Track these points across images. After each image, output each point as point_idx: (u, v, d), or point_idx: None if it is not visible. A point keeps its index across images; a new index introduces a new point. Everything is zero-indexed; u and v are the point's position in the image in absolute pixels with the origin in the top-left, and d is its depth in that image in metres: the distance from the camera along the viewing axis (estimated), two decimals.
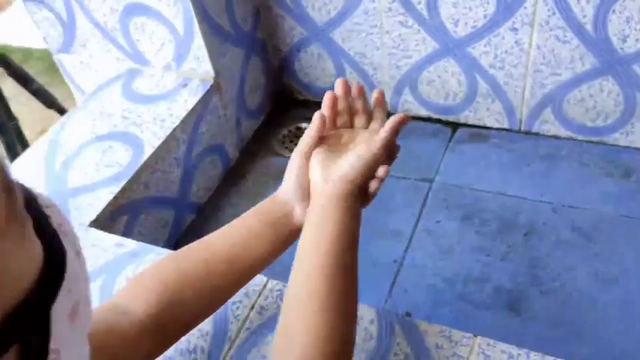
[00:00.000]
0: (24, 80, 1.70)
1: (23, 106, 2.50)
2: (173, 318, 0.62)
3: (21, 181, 0.26)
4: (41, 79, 1.85)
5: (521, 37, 1.03)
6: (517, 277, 0.94)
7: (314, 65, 1.25)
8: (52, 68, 1.27)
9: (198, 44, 1.04)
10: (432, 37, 1.09)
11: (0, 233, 0.21)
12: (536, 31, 1.01)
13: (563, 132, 1.13)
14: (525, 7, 0.99)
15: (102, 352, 0.53)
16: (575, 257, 0.95)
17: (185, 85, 1.10)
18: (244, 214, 0.67)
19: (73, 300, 0.25)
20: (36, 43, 1.21)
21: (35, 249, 0.23)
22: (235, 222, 0.67)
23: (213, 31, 1.06)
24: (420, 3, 1.05)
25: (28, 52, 2.89)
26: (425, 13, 1.06)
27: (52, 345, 0.23)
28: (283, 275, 0.99)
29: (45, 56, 1.23)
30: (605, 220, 0.99)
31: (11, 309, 0.20)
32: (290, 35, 1.22)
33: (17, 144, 1.62)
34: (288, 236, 0.66)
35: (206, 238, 0.66)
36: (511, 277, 0.94)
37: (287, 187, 0.66)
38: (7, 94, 1.64)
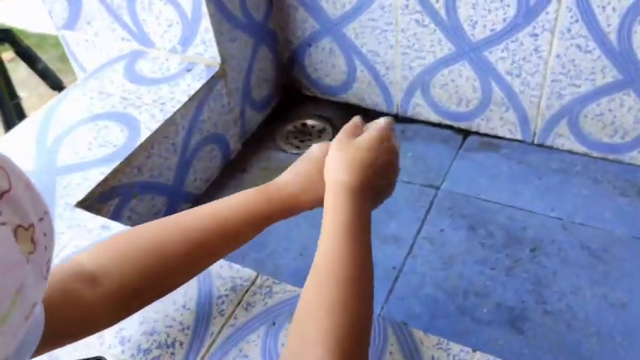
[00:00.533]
0: (30, 59, 1.68)
1: (32, 90, 2.48)
2: (146, 291, 0.59)
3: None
4: (53, 65, 1.82)
5: (541, 44, 0.99)
6: (521, 294, 0.89)
7: (324, 60, 1.21)
8: (65, 56, 1.23)
9: (206, 28, 1.01)
10: (448, 38, 1.05)
11: None
12: (557, 39, 0.97)
13: (578, 147, 1.09)
14: (547, 13, 0.95)
15: (60, 320, 0.50)
16: (582, 278, 0.90)
17: (189, 70, 1.06)
18: (240, 200, 0.64)
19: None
20: (52, 29, 1.17)
21: None
22: (233, 203, 0.64)
23: (222, 15, 1.02)
24: (437, 2, 1.01)
25: (42, 38, 2.87)
26: (442, 12, 1.02)
27: None
28: (274, 271, 0.95)
29: (59, 43, 1.19)
30: (616, 241, 0.94)
31: None
32: (302, 28, 1.18)
33: (17, 122, 1.59)
34: (277, 210, 0.64)
35: (187, 210, 0.63)
36: (515, 293, 0.89)
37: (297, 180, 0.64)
38: (18, 76, 1.61)
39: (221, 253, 0.64)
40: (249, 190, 0.65)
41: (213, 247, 0.62)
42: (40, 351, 0.48)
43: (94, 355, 0.47)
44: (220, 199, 0.64)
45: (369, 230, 0.59)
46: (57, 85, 1.69)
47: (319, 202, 0.62)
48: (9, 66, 2.24)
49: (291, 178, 0.66)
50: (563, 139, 1.09)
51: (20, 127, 0.99)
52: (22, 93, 2.60)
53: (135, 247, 0.59)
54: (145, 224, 0.62)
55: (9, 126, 1.56)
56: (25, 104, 2.53)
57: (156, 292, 0.61)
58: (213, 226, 0.62)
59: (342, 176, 0.59)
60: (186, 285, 0.72)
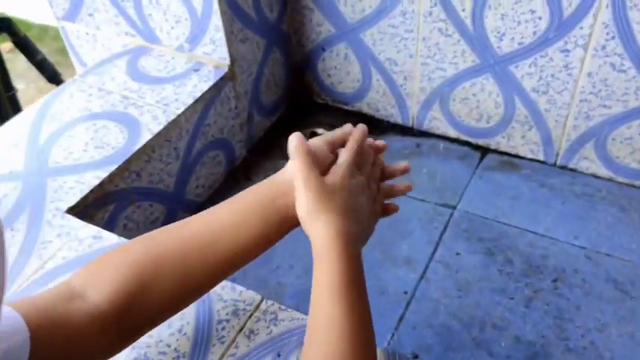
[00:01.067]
0: (28, 51, 1.61)
1: (30, 82, 2.41)
2: (141, 309, 0.53)
3: None
4: (52, 58, 1.75)
5: (572, 61, 0.93)
6: (541, 328, 0.83)
7: (339, 67, 1.15)
8: (66, 50, 1.16)
9: (216, 26, 0.94)
10: (473, 49, 0.99)
11: None
12: (590, 56, 0.91)
13: (603, 171, 1.03)
14: (581, 28, 0.89)
15: (48, 347, 0.46)
16: (608, 313, 0.84)
17: (196, 70, 1.00)
18: (236, 195, 0.58)
19: None
20: (54, 21, 1.11)
21: None
22: (222, 204, 0.58)
23: (234, 13, 0.96)
24: (464, 10, 0.95)
25: (44, 30, 2.80)
26: (468, 22, 0.96)
27: None
28: (278, 290, 0.89)
29: (60, 36, 1.13)
30: None
31: None
32: (316, 31, 1.11)
33: (11, 114, 1.52)
34: (278, 223, 0.57)
35: (184, 220, 0.57)
36: (534, 327, 0.83)
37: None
38: (16, 67, 1.55)
39: (229, 257, 0.57)
40: (250, 188, 0.58)
41: (215, 248, 0.55)
42: None
43: None
44: (229, 200, 0.58)
45: (363, 282, 0.53)
46: (55, 79, 1.62)
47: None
48: (8, 56, 2.17)
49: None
50: (589, 162, 1.03)
51: (12, 123, 0.92)
52: (19, 85, 2.53)
53: (123, 258, 0.54)
54: (137, 237, 0.57)
55: (2, 119, 1.50)
56: (23, 97, 2.46)
57: (152, 307, 0.54)
58: (213, 226, 0.56)
59: (319, 217, 0.53)
60: None
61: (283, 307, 0.66)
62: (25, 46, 1.55)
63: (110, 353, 0.53)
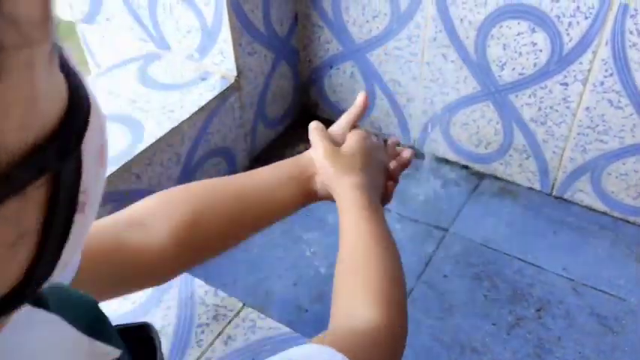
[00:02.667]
0: None
1: None
2: (198, 242, 0.56)
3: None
4: (77, 55, 1.81)
5: (571, 95, 0.94)
6: (521, 356, 0.83)
7: (344, 84, 1.17)
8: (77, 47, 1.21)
9: (225, 38, 0.97)
10: (475, 76, 1.01)
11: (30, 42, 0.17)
12: (588, 91, 0.92)
13: (598, 204, 1.03)
14: (581, 63, 0.90)
15: (111, 270, 0.49)
16: (589, 346, 0.84)
17: (204, 79, 1.03)
18: (270, 165, 0.64)
19: (99, 140, 0.23)
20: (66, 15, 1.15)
21: (60, 79, 0.20)
22: (261, 169, 0.64)
23: (243, 26, 0.99)
24: (467, 38, 0.97)
25: (69, 27, 2.87)
26: (471, 50, 0.98)
27: (83, 184, 0.20)
28: (265, 299, 0.91)
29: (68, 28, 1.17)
30: (629, 311, 0.89)
31: (44, 135, 0.18)
32: (324, 48, 1.14)
33: None
34: (302, 195, 0.63)
35: (234, 175, 0.63)
36: (514, 354, 0.84)
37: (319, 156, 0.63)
38: None
39: (268, 212, 0.62)
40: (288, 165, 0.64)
41: (258, 202, 0.61)
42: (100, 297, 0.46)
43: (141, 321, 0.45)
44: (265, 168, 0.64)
45: (388, 230, 0.59)
46: None
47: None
48: None
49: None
50: (583, 195, 1.04)
51: None
52: None
53: (184, 194, 0.57)
54: (197, 181, 0.61)
55: None
56: None
57: (206, 241, 0.58)
58: (257, 182, 0.61)
59: (350, 179, 0.59)
60: (165, 308, 0.68)
61: (262, 315, 0.68)
62: None
63: (166, 278, 0.56)
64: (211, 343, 0.65)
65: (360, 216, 0.56)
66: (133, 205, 0.56)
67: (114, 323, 0.35)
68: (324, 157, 0.61)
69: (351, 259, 0.54)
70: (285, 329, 0.66)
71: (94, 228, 0.48)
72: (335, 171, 0.60)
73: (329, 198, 0.63)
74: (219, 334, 0.66)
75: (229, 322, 0.67)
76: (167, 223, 0.53)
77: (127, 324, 0.39)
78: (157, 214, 0.54)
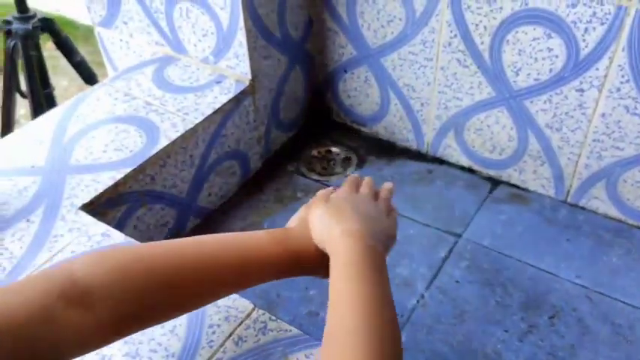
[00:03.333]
0: (68, 51, 1.68)
1: (73, 80, 2.50)
2: (143, 318, 0.53)
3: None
4: (96, 58, 1.82)
5: (586, 101, 0.93)
6: None
7: (359, 89, 1.17)
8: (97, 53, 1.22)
9: (240, 41, 0.98)
10: (489, 82, 1.00)
11: None
12: (604, 97, 0.92)
13: (613, 212, 1.02)
14: (597, 69, 0.90)
15: (40, 341, 0.45)
16: (602, 355, 0.83)
17: (218, 82, 1.03)
18: (242, 239, 0.60)
19: None
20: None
21: None
22: (230, 244, 0.60)
23: (258, 30, 0.99)
24: (482, 43, 0.97)
25: (91, 30, 2.91)
26: (486, 55, 0.98)
27: None
28: (276, 302, 0.91)
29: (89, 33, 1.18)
30: None
31: None
32: (339, 52, 1.14)
33: (46, 111, 1.59)
34: (274, 276, 0.61)
35: (205, 238, 0.59)
36: None
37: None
38: (61, 65, 1.60)
39: (229, 290, 0.61)
40: (262, 235, 0.61)
41: (222, 281, 0.58)
42: None
43: None
44: (233, 234, 0.61)
45: (382, 269, 0.54)
46: (91, 80, 1.69)
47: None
48: (53, 54, 2.26)
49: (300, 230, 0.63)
50: (599, 202, 1.03)
51: (39, 120, 0.97)
52: (63, 81, 2.63)
53: (142, 268, 0.53)
54: (149, 243, 0.58)
55: (37, 115, 1.56)
56: (64, 94, 2.56)
57: (154, 319, 0.56)
58: (229, 260, 0.58)
59: (334, 229, 0.57)
60: None
61: (273, 317, 0.68)
62: (65, 46, 1.62)
63: (94, 349, 0.51)
64: (222, 344, 0.65)
65: (350, 275, 0.52)
66: (73, 266, 0.50)
67: None
68: (315, 215, 0.60)
69: (337, 334, 0.48)
70: (296, 331, 0.66)
71: (22, 292, 0.46)
72: (327, 226, 0.57)
73: (313, 274, 0.62)
74: (230, 335, 0.66)
75: (240, 323, 0.67)
76: (114, 306, 0.49)
77: None
78: (105, 293, 0.49)
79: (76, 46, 1.68)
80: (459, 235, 1.01)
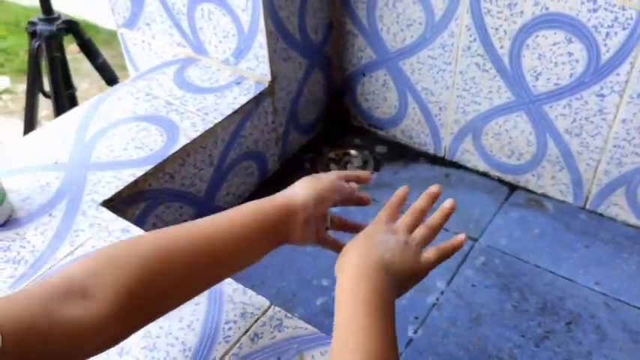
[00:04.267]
0: (90, 53, 1.70)
1: (94, 82, 2.54)
2: (146, 303, 0.53)
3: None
4: (118, 61, 1.86)
5: (607, 106, 0.93)
6: None
7: (377, 92, 1.18)
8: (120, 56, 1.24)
9: (260, 43, 0.99)
10: (508, 86, 1.00)
11: None
12: (625, 103, 0.91)
13: (633, 219, 1.01)
14: (618, 74, 0.89)
15: (43, 350, 0.45)
16: None
17: (238, 84, 1.05)
18: (243, 209, 0.61)
19: None
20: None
21: None
22: (232, 214, 0.60)
23: (278, 33, 1.00)
24: (502, 47, 0.97)
25: (113, 35, 2.95)
26: (506, 59, 0.98)
27: None
28: (291, 300, 0.91)
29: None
30: None
31: None
32: (358, 56, 1.15)
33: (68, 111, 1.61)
34: (275, 245, 0.64)
35: (197, 222, 0.59)
36: None
37: (303, 201, 0.63)
38: (83, 67, 1.62)
39: (231, 267, 0.60)
40: (263, 202, 0.62)
41: (222, 257, 0.58)
42: None
43: None
44: (232, 209, 0.61)
45: (391, 308, 0.55)
46: (113, 81, 1.71)
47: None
48: (76, 57, 2.30)
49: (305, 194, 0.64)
50: (618, 209, 1.02)
51: (62, 118, 0.99)
52: (84, 84, 2.67)
53: (133, 253, 0.52)
54: (147, 232, 0.59)
55: (59, 115, 1.58)
56: (85, 95, 2.60)
57: (158, 304, 0.55)
58: (225, 235, 0.58)
59: (354, 260, 0.58)
60: (194, 304, 0.69)
61: (289, 315, 0.68)
62: (88, 48, 1.65)
63: (111, 345, 0.52)
64: (238, 340, 0.66)
65: (357, 305, 0.53)
66: (69, 268, 0.50)
67: None
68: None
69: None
70: (312, 329, 0.67)
71: (24, 299, 0.46)
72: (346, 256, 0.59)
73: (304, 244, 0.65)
74: (246, 332, 0.67)
75: (256, 320, 0.68)
76: (111, 290, 0.49)
77: None
78: (100, 281, 0.49)
79: (97, 48, 1.71)
80: (476, 240, 1.01)
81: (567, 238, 1.01)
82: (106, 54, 1.82)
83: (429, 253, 0.64)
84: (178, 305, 0.58)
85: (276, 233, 0.62)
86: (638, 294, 0.91)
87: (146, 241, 0.54)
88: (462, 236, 0.66)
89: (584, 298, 0.91)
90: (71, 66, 1.70)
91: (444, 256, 0.65)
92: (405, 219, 0.66)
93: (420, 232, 0.65)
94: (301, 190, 0.65)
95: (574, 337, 0.86)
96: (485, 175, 1.13)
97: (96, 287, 0.48)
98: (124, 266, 0.51)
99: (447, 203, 0.67)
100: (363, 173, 0.73)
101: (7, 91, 2.81)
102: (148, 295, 0.52)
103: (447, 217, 0.67)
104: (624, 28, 0.85)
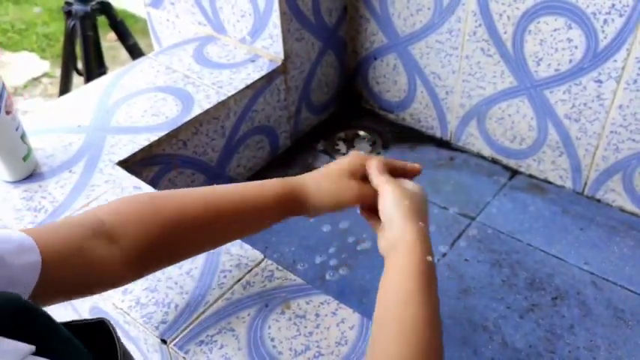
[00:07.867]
0: (122, 34, 1.79)
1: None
2: (162, 253, 0.61)
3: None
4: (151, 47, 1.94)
5: (604, 92, 0.96)
6: (531, 338, 0.86)
7: (387, 76, 1.22)
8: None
9: (274, 23, 1.05)
10: (511, 71, 1.04)
11: None
12: (622, 89, 0.94)
13: (629, 205, 1.04)
14: (615, 61, 0.92)
15: (73, 276, 0.53)
16: (601, 336, 0.86)
17: (253, 61, 1.10)
18: (264, 182, 0.66)
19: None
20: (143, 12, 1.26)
21: None
22: (250, 187, 0.66)
23: (293, 13, 1.06)
24: (505, 33, 1.00)
25: (144, 22, 3.05)
26: (509, 44, 1.01)
27: None
28: (282, 259, 0.96)
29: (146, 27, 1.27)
30: None
31: None
32: (370, 40, 1.20)
33: None
34: (285, 217, 0.67)
35: (221, 189, 0.65)
36: (524, 336, 0.86)
37: (322, 190, 0.66)
38: (120, 55, 1.68)
39: (238, 231, 0.66)
40: (274, 181, 0.67)
41: (232, 220, 0.64)
42: (53, 300, 0.52)
43: (97, 317, 0.49)
44: (245, 183, 0.67)
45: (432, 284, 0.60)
46: None
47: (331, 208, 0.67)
48: (113, 45, 2.40)
49: (318, 181, 0.67)
50: (615, 195, 1.04)
51: (88, 87, 1.06)
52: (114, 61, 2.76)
53: (154, 208, 0.60)
54: (166, 190, 0.65)
55: None
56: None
57: (172, 255, 0.63)
58: (235, 202, 0.64)
59: (412, 226, 0.60)
60: None
61: (281, 267, 0.74)
62: (119, 28, 1.73)
63: (124, 283, 0.60)
64: (231, 287, 0.71)
65: (412, 274, 0.57)
66: (102, 208, 0.58)
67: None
68: (392, 206, 0.62)
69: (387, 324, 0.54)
70: (300, 281, 0.72)
71: (61, 228, 0.54)
72: (400, 219, 0.60)
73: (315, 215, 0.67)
74: (239, 280, 0.72)
75: (250, 270, 0.73)
76: (134, 242, 0.57)
77: (83, 320, 0.44)
78: (126, 231, 0.57)
79: (130, 29, 1.79)
80: (473, 219, 1.05)
81: (563, 221, 1.04)
82: (143, 44, 1.91)
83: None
84: (192, 255, 0.66)
85: (287, 209, 0.66)
86: (625, 274, 0.94)
87: (170, 204, 0.61)
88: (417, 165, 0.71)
89: (572, 276, 0.94)
90: (109, 53, 1.80)
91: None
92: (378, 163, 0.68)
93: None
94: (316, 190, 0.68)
95: (558, 311, 0.89)
96: (488, 159, 1.17)
97: (121, 236, 0.56)
98: (148, 223, 0.58)
99: (417, 164, 0.71)
100: (412, 165, 0.72)
101: (47, 75, 2.93)
102: (163, 252, 0.61)
103: (410, 169, 0.71)
104: (621, 15, 0.88)
